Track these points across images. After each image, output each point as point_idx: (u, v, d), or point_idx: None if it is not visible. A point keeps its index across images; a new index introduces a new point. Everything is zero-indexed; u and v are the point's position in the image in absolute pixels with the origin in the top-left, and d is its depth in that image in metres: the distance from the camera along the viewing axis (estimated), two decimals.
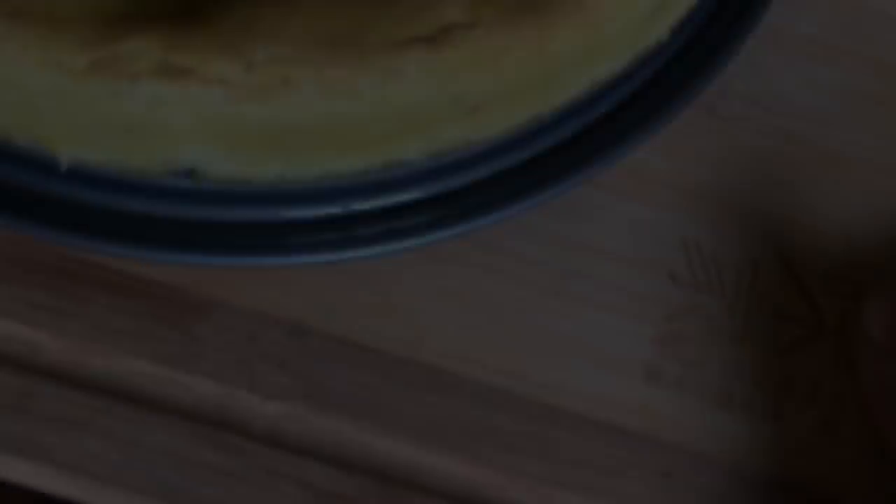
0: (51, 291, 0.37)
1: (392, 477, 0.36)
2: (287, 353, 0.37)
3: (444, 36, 0.33)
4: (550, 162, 0.39)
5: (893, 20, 0.45)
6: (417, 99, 0.34)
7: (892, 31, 0.45)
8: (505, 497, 0.37)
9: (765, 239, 0.40)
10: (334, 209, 0.37)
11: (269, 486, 0.36)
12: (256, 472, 0.36)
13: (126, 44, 0.32)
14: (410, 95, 0.34)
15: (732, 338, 0.39)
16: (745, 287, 0.40)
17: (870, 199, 0.42)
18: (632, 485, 0.37)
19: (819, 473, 0.38)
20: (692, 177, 0.41)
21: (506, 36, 0.34)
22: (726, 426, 0.38)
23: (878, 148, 0.43)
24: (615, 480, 0.37)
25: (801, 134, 0.43)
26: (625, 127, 0.40)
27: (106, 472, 0.35)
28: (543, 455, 0.37)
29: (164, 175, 0.36)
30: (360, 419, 0.37)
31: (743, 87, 0.42)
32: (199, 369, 0.36)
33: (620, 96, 0.40)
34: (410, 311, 0.38)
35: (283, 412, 0.37)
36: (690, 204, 0.40)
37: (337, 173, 0.37)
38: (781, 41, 0.44)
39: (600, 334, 0.39)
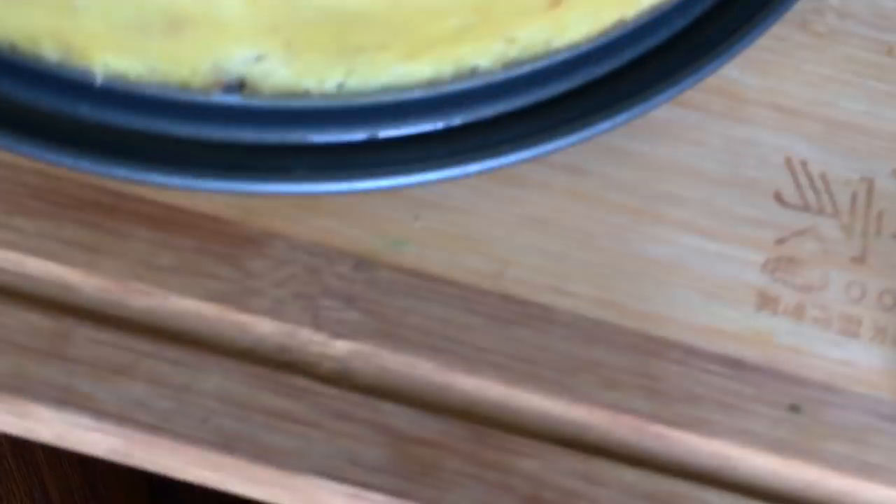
0: (85, 227, 0.33)
1: (479, 418, 0.32)
2: (354, 287, 0.33)
3: None
4: (635, 76, 0.36)
5: None
6: None
7: None
8: (609, 439, 0.32)
9: (876, 154, 0.37)
10: (397, 129, 0.34)
11: (341, 431, 0.31)
12: (325, 417, 0.31)
13: None
14: None
15: (853, 259, 0.35)
16: (860, 205, 0.36)
17: None
18: (755, 421, 0.32)
19: None
20: (791, 94, 0.37)
21: None
22: (855, 354, 0.34)
23: None
24: (736, 417, 0.32)
25: None
26: (713, 38, 0.36)
27: (153, 421, 0.31)
28: (652, 391, 0.32)
29: (212, 89, 0.33)
30: (441, 357, 0.32)
31: (837, 2, 0.39)
32: (256, 307, 0.32)
33: (705, 6, 0.37)
34: (491, 241, 0.34)
35: (354, 351, 0.32)
36: (791, 122, 0.37)
37: (402, 83, 0.33)
38: None
39: (704, 261, 0.34)
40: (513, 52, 0.33)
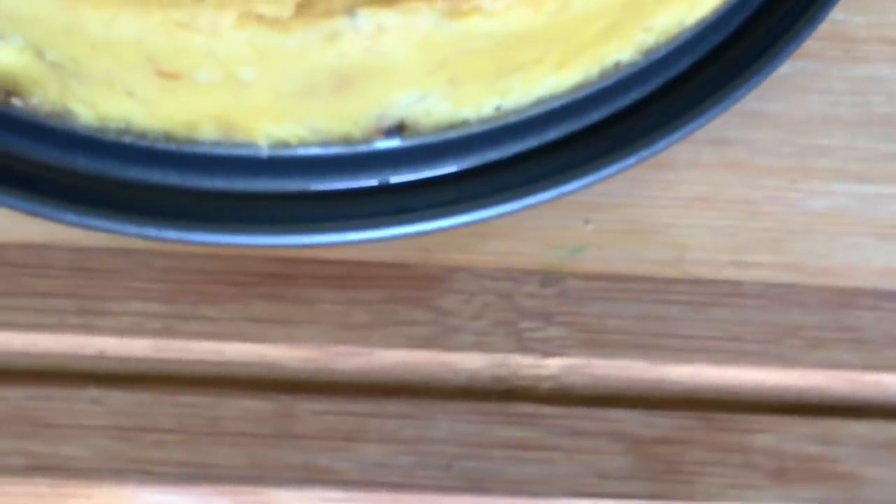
0: (271, 301, 0.32)
1: (703, 405, 0.32)
2: (547, 303, 0.33)
3: None
4: (754, 44, 0.36)
5: None
6: None
7: None
8: (830, 396, 0.32)
9: None
10: (550, 134, 0.34)
11: (579, 447, 0.31)
12: (560, 437, 0.31)
13: None
14: None
15: None
16: None
17: None
18: None
19: None
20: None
21: None
22: None
23: None
24: None
25: None
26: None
27: (399, 479, 0.30)
28: (856, 342, 0.33)
29: (373, 137, 0.32)
30: (650, 353, 0.32)
31: None
32: (461, 344, 0.32)
33: None
34: (662, 228, 0.34)
35: (566, 366, 0.32)
36: None
37: (555, 93, 0.33)
38: None
39: (865, 204, 0.35)
40: (651, 39, 0.34)
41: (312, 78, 0.30)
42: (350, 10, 0.28)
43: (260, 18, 0.28)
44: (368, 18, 0.28)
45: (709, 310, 0.33)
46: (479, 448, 0.31)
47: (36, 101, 0.31)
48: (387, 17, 0.28)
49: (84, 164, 0.32)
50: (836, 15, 0.37)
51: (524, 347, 0.32)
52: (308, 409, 0.31)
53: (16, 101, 0.31)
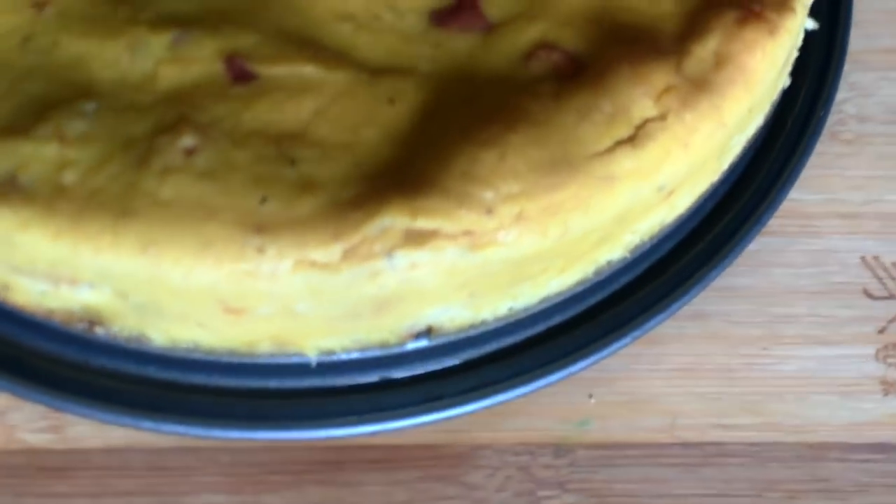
0: (323, 486, 0.37)
1: None
2: (561, 472, 0.38)
3: (642, 132, 0.35)
4: (725, 227, 0.41)
5: None
6: (628, 198, 0.36)
7: None
8: None
9: None
10: (555, 319, 0.39)
11: None
12: None
13: (371, 224, 0.33)
14: (623, 196, 0.36)
15: None
16: None
17: None
18: None
19: None
20: (845, 200, 0.43)
21: (692, 119, 0.36)
22: None
23: None
24: None
25: None
26: (773, 176, 0.42)
27: None
28: (827, 492, 0.38)
29: (405, 341, 0.37)
30: None
31: (854, 110, 0.45)
32: None
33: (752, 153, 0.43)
34: (655, 398, 0.39)
35: None
36: (854, 224, 0.42)
37: (558, 292, 0.38)
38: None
39: (828, 366, 0.40)
40: (636, 239, 0.39)
41: (356, 305, 0.35)
42: (388, 253, 0.33)
43: (312, 264, 0.33)
44: (403, 258, 0.33)
45: (698, 469, 0.38)
46: None
47: (116, 329, 0.36)
48: (419, 255, 0.34)
49: (155, 373, 0.37)
50: (792, 193, 0.42)
51: None
52: None
53: (98, 330, 0.36)
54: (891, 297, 0.41)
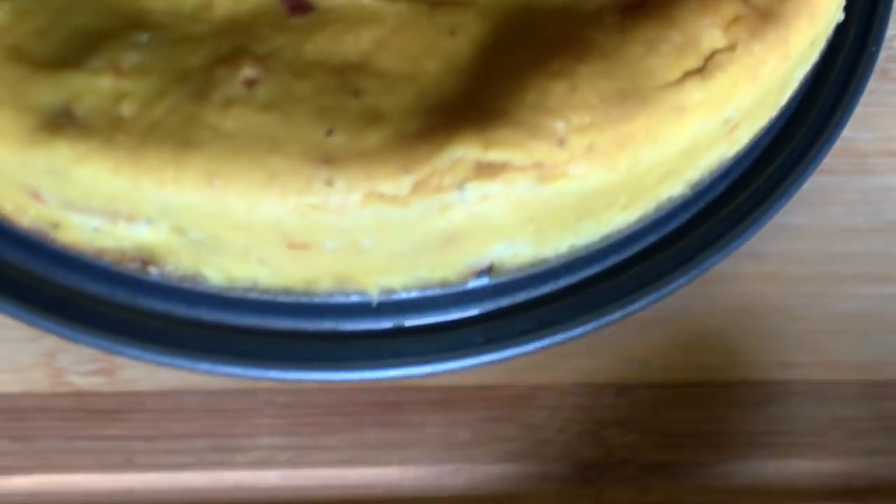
0: (383, 427, 0.36)
1: (770, 494, 0.37)
2: (623, 412, 0.37)
3: (711, 63, 0.34)
4: (780, 166, 0.41)
5: None
6: (696, 130, 0.35)
7: None
8: (873, 481, 0.37)
9: None
10: (611, 260, 0.38)
11: None
12: None
13: (442, 156, 0.32)
14: (691, 129, 0.35)
15: None
16: None
17: None
18: None
19: None
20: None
21: (761, 50, 0.35)
22: None
23: None
24: None
25: None
26: (826, 114, 0.42)
27: None
28: (890, 429, 0.38)
29: (467, 279, 0.36)
30: (718, 451, 0.37)
31: None
32: (551, 455, 0.36)
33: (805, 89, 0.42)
34: (714, 337, 0.39)
35: (646, 466, 0.37)
36: None
37: (619, 229, 0.38)
38: None
39: (887, 304, 0.39)
40: (697, 175, 0.38)
41: (422, 241, 0.34)
42: (459, 185, 0.32)
43: (381, 196, 0.32)
44: (474, 191, 0.33)
45: (762, 407, 0.38)
46: None
47: (171, 269, 0.35)
48: (490, 187, 0.33)
49: (207, 314, 0.36)
50: (845, 133, 0.42)
51: (607, 454, 0.37)
52: None
53: (152, 269, 0.35)
54: None
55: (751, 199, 0.40)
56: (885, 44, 0.43)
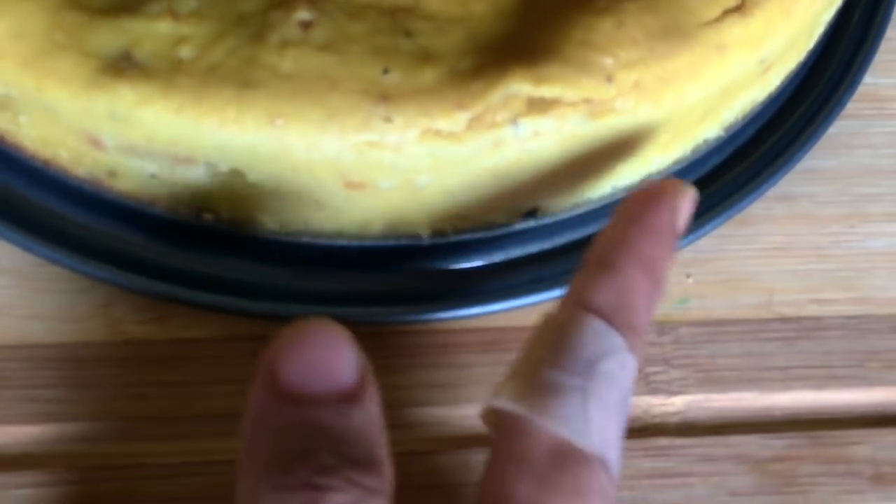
0: (435, 368, 0.37)
1: (807, 425, 0.38)
2: (665, 349, 0.38)
3: (749, 2, 0.35)
4: (806, 111, 0.42)
5: None
6: (736, 69, 0.36)
7: None
8: None
9: None
10: None
11: (710, 471, 0.36)
12: (694, 464, 0.36)
13: (495, 92, 0.33)
14: (731, 66, 0.36)
15: None
16: None
17: None
18: None
19: None
20: None
21: None
22: None
23: None
24: None
25: None
26: (848, 59, 0.43)
27: None
28: None
29: (513, 221, 0.37)
30: (757, 385, 0.38)
31: None
32: None
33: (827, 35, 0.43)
34: (750, 276, 0.39)
35: (689, 402, 0.37)
36: None
37: (659, 170, 0.38)
38: None
39: None
40: (732, 117, 0.39)
41: (475, 178, 0.34)
42: (513, 121, 0.33)
43: (437, 133, 0.33)
44: (527, 126, 0.33)
45: (799, 343, 0.39)
46: (626, 480, 0.36)
47: (225, 215, 0.35)
48: (542, 123, 0.33)
49: (252, 263, 0.37)
50: (866, 79, 0.43)
51: (652, 389, 0.37)
52: (480, 460, 0.36)
53: (207, 216, 0.36)
54: None
55: (780, 143, 0.41)
56: None
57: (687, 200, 0.32)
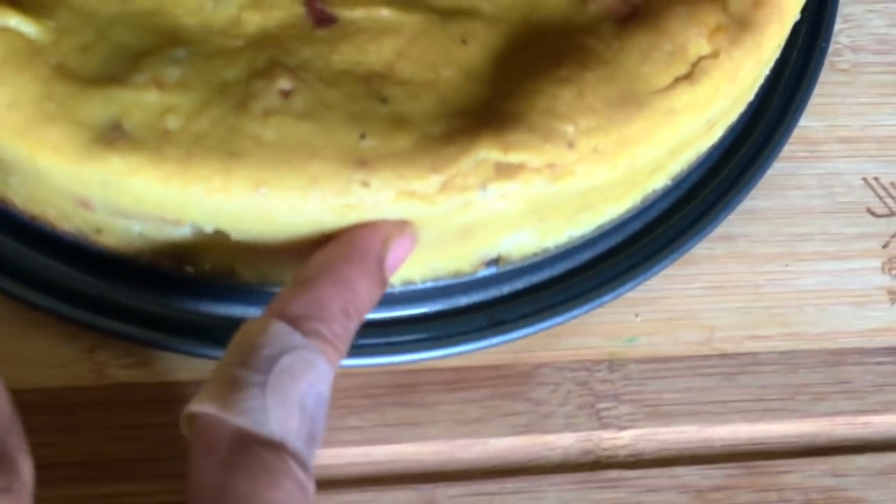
0: (400, 408, 0.39)
1: (746, 454, 0.41)
2: (615, 385, 0.41)
3: (698, 70, 0.38)
4: (745, 155, 0.44)
5: None
6: (684, 131, 0.38)
7: None
8: (834, 437, 0.41)
9: None
10: (600, 247, 0.41)
11: (657, 501, 0.39)
12: (640, 494, 0.39)
13: (466, 158, 0.35)
14: (681, 129, 0.38)
15: None
16: None
17: None
18: None
19: None
20: (846, 126, 0.46)
21: (740, 55, 0.38)
22: None
23: None
24: None
25: None
26: (783, 106, 0.45)
27: None
28: (848, 392, 0.42)
29: (477, 269, 0.39)
30: (698, 418, 0.41)
31: (848, 41, 0.48)
32: (554, 427, 0.40)
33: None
34: (693, 314, 0.42)
35: (637, 435, 0.40)
36: (854, 148, 0.46)
37: (611, 219, 0.41)
38: None
39: (841, 279, 0.44)
40: (678, 168, 0.42)
41: (443, 234, 0.37)
42: (482, 185, 0.35)
43: (412, 195, 0.35)
44: (496, 189, 0.35)
45: (737, 377, 0.42)
46: None
47: (207, 268, 0.37)
48: (508, 187, 0.36)
49: (236, 308, 0.39)
50: (802, 121, 0.46)
51: (603, 424, 0.40)
52: (445, 494, 0.38)
53: (188, 268, 0.37)
54: (891, 214, 0.45)
55: (721, 187, 0.44)
56: (832, 39, 0.48)
57: (404, 237, 0.35)
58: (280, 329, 0.32)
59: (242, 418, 0.31)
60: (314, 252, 0.36)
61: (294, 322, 0.32)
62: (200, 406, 0.32)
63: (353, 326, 0.34)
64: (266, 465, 0.31)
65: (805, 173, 0.46)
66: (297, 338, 0.32)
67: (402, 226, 0.35)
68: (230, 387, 0.32)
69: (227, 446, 0.31)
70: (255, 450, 0.31)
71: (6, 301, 0.38)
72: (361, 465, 0.39)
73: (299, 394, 0.32)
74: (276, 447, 0.31)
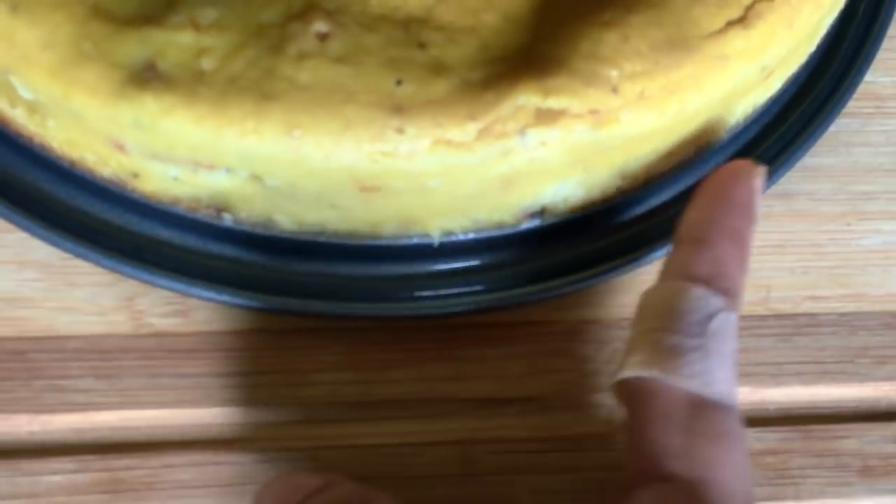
0: (446, 363, 0.38)
1: (801, 418, 0.39)
2: None
3: (752, 13, 0.36)
4: (807, 110, 0.43)
5: None
6: (737, 78, 0.37)
7: None
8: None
9: None
10: (652, 201, 0.40)
11: None
12: None
13: (505, 104, 0.34)
14: (733, 76, 0.37)
15: None
16: None
17: None
18: None
19: None
20: None
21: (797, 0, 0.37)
22: None
23: None
24: None
25: None
26: (849, 59, 0.44)
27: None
28: None
29: (521, 221, 0.38)
30: (752, 379, 0.39)
31: None
32: (600, 386, 0.39)
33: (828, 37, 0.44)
34: (749, 273, 0.41)
35: None
36: None
37: (661, 172, 0.40)
38: None
39: None
40: (733, 120, 0.40)
41: (483, 184, 0.36)
42: (521, 132, 0.34)
43: (448, 143, 0.34)
44: (534, 136, 0.35)
45: (793, 339, 0.40)
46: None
47: (243, 215, 0.37)
48: (549, 133, 0.35)
49: (276, 258, 0.38)
50: (866, 77, 0.44)
51: None
52: (483, 449, 0.37)
53: (225, 216, 0.37)
54: None
55: (780, 142, 0.43)
56: None
57: (760, 178, 0.36)
58: (702, 294, 0.33)
59: (692, 382, 0.32)
60: (357, 200, 0.35)
61: (708, 284, 0.34)
62: (644, 371, 0.33)
63: (746, 277, 0.35)
64: (723, 429, 0.32)
65: (871, 130, 0.44)
66: (717, 299, 0.33)
67: (753, 166, 0.36)
68: (669, 353, 0.33)
69: (685, 412, 0.32)
70: (710, 414, 0.32)
71: (46, 247, 0.38)
72: (401, 420, 0.38)
73: (731, 353, 0.33)
74: (727, 410, 0.33)
